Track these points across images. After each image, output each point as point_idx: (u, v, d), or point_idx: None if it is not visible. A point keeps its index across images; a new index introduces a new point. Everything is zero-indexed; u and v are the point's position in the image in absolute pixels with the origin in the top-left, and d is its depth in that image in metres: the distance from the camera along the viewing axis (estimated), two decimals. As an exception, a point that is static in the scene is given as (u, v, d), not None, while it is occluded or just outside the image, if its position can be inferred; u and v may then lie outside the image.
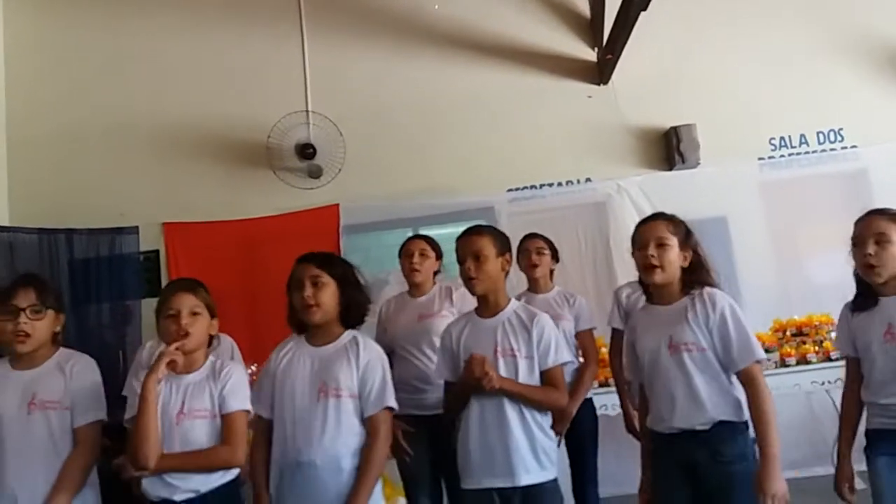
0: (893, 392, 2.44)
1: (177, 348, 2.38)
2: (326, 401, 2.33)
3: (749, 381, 2.35)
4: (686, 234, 2.52)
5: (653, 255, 2.44)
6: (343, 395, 2.34)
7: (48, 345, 2.57)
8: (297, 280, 2.43)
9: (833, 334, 4.51)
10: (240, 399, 2.43)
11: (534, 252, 3.73)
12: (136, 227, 5.58)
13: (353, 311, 2.49)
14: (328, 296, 2.41)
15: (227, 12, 5.92)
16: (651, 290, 2.57)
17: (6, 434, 2.43)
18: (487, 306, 2.65)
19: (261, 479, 2.39)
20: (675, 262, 2.46)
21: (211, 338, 2.56)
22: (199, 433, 2.37)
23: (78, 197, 5.61)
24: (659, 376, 2.44)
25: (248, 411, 2.45)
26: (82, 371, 2.56)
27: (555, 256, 3.84)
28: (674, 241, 2.46)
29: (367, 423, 2.37)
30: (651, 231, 2.50)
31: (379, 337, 3.38)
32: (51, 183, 5.65)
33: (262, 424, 2.44)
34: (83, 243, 5.47)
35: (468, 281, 2.60)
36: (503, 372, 2.50)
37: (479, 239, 2.60)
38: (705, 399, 2.35)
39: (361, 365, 2.39)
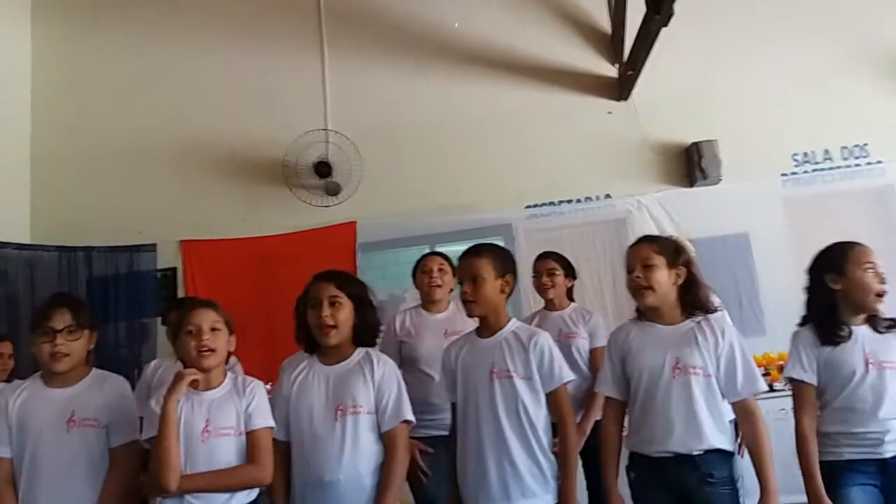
0: (872, 420, 2.44)
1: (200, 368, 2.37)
2: (345, 419, 2.33)
3: (750, 412, 2.39)
4: (674, 253, 2.52)
5: (639, 277, 2.47)
6: (361, 412, 2.35)
7: (83, 363, 2.55)
8: (314, 299, 2.42)
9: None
10: (265, 416, 2.40)
11: (544, 274, 3.67)
12: (154, 245, 5.62)
13: (366, 331, 2.50)
14: (345, 316, 2.42)
15: (247, 33, 5.99)
16: (645, 312, 2.55)
17: (41, 452, 2.40)
18: (487, 326, 2.60)
19: (281, 502, 2.38)
20: (664, 282, 2.47)
21: (229, 354, 2.52)
22: (226, 451, 2.33)
23: (97, 215, 5.68)
24: (657, 397, 2.40)
25: (272, 428, 2.42)
26: (119, 391, 2.55)
27: (570, 274, 3.76)
28: (660, 261, 2.47)
29: (385, 438, 2.37)
30: (636, 254, 2.53)
31: (391, 350, 3.30)
32: (71, 201, 5.73)
33: (278, 446, 2.42)
34: (102, 261, 5.52)
35: (466, 304, 2.57)
36: (499, 392, 2.46)
37: (476, 261, 2.55)
38: (704, 425, 2.35)
39: (377, 380, 2.41)
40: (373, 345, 2.54)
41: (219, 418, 2.35)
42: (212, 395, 2.40)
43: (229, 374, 2.50)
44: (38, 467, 2.39)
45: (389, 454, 2.36)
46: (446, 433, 3.11)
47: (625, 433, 2.54)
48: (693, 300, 2.49)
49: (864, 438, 2.44)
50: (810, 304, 2.64)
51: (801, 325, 2.64)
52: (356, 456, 2.31)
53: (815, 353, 2.55)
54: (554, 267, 3.69)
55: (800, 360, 2.57)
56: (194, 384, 2.35)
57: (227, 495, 2.31)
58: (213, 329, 2.41)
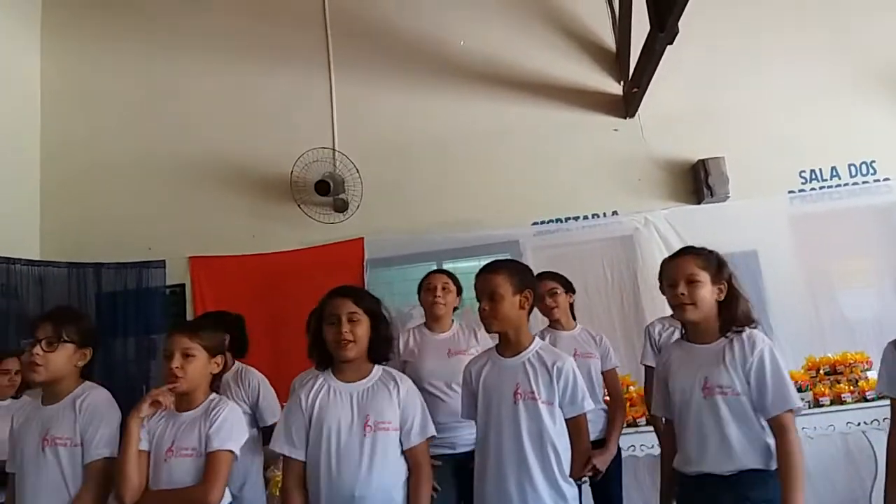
0: None
1: (170, 390, 2.45)
2: (374, 435, 2.35)
3: (780, 430, 2.27)
4: (718, 268, 2.45)
5: (683, 294, 2.40)
6: (389, 428, 2.37)
7: (71, 379, 2.55)
8: (332, 315, 2.43)
9: (869, 373, 4.35)
10: (224, 439, 2.41)
11: (547, 296, 3.63)
12: (163, 261, 5.64)
13: (381, 346, 2.51)
14: (363, 331, 2.43)
15: (256, 52, 6.03)
16: (686, 327, 2.52)
17: (25, 471, 2.46)
18: (509, 345, 2.58)
19: None
20: (708, 298, 2.41)
21: (215, 376, 2.57)
22: (184, 472, 2.37)
23: (107, 231, 5.71)
24: (690, 417, 2.38)
25: (232, 452, 2.43)
26: (94, 406, 2.51)
27: (569, 290, 3.75)
28: (705, 277, 2.41)
29: (410, 455, 2.40)
30: (680, 268, 2.45)
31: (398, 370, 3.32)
32: (80, 218, 5.76)
33: (294, 466, 2.41)
34: (111, 277, 5.54)
35: (484, 321, 2.55)
36: (523, 414, 2.44)
37: (493, 277, 2.53)
38: (735, 446, 2.29)
39: (402, 398, 2.44)
40: (387, 359, 2.55)
41: (183, 439, 2.41)
42: (185, 417, 2.46)
43: (212, 395, 2.54)
44: (22, 485, 2.45)
45: (416, 470, 2.40)
46: (451, 451, 3.14)
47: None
48: (732, 316, 2.42)
49: None
50: None
51: None
52: (385, 471, 2.33)
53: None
54: (554, 287, 3.68)
55: (886, 375, 2.50)
56: (155, 405, 2.44)
57: None
58: (187, 355, 2.46)
